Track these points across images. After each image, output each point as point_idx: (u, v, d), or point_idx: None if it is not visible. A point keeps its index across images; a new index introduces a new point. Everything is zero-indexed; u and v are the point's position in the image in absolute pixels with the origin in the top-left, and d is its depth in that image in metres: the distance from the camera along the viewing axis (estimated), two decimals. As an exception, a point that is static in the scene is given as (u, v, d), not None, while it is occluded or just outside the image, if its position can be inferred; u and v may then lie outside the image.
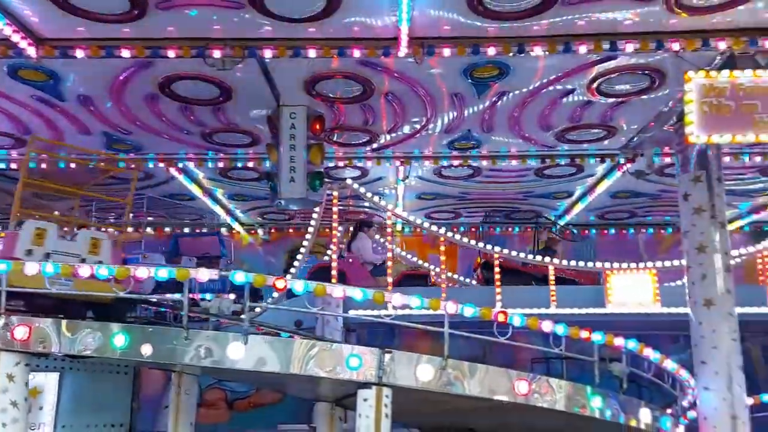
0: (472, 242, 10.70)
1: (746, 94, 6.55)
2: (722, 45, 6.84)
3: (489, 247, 10.42)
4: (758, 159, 10.29)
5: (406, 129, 9.50)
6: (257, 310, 9.19)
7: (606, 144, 9.84)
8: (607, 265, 10.36)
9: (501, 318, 5.73)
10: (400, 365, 5.32)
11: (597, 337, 5.96)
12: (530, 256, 10.67)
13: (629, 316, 10.39)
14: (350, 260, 10.50)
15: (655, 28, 6.76)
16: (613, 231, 14.86)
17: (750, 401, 7.56)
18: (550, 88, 8.11)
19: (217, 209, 13.41)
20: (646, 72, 7.63)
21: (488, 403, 5.67)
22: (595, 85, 7.98)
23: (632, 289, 10.26)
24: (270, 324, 8.25)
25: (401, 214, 10.81)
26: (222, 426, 12.08)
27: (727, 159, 9.89)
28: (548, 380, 5.72)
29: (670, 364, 6.62)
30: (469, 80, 7.91)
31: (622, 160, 10.10)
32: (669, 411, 7.25)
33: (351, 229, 11.55)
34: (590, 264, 10.39)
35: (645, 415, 6.10)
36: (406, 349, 5.79)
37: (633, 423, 6.06)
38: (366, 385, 5.25)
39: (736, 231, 14.63)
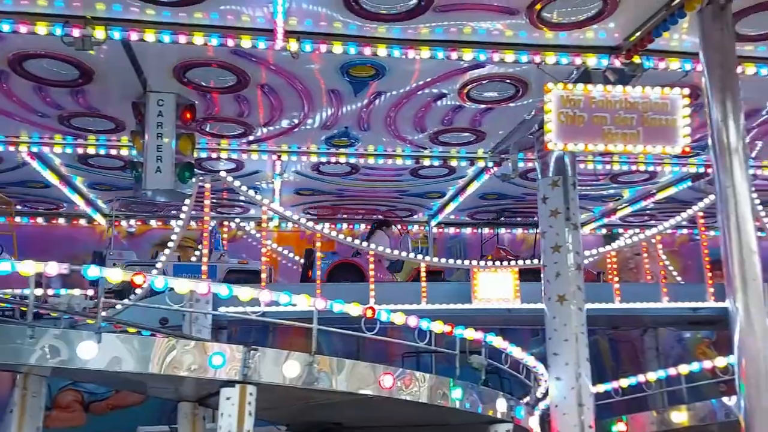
0: (349, 239, 10.79)
1: (598, 107, 7.09)
2: (578, 60, 7.38)
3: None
4: (608, 167, 11.23)
5: (284, 123, 9.40)
6: (119, 307, 8.73)
7: (475, 147, 10.30)
8: (474, 263, 10.88)
9: (369, 314, 5.83)
10: (266, 362, 5.26)
11: (458, 331, 6.22)
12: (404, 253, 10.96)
13: (493, 311, 10.96)
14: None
15: (520, 40, 7.16)
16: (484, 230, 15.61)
17: (596, 389, 8.28)
18: (425, 90, 8.36)
19: (76, 198, 12.51)
20: (512, 81, 8.05)
21: (355, 397, 5.75)
22: (465, 90, 8.32)
23: (496, 286, 10.84)
24: (132, 322, 7.82)
25: (278, 209, 10.67)
26: (78, 430, 11.34)
27: (582, 166, 10.75)
28: (413, 374, 5.91)
29: (524, 356, 7.06)
30: (347, 78, 7.96)
31: (490, 164, 10.61)
32: (525, 400, 7.76)
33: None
34: (459, 261, 10.86)
35: (501, 404, 6.47)
36: (281, 347, 5.72)
37: (490, 413, 6.40)
38: (229, 383, 5.13)
39: (590, 233, 15.90)
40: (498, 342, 6.48)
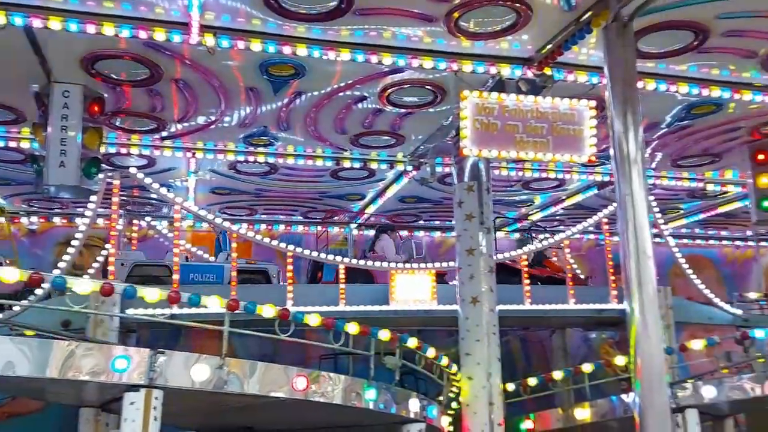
0: (266, 240, 10.64)
1: (510, 115, 7.32)
2: (493, 69, 7.61)
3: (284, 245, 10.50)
4: (521, 173, 11.64)
5: (200, 119, 9.15)
6: (16, 308, 8.22)
7: (395, 151, 10.41)
8: (392, 265, 11.00)
9: (282, 315, 5.76)
10: (174, 366, 5.10)
11: (372, 333, 6.26)
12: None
13: (411, 312, 11.11)
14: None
15: (438, 47, 7.30)
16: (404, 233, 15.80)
17: (507, 387, 8.55)
18: (346, 92, 8.36)
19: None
20: (431, 87, 8.20)
21: (268, 400, 5.67)
22: (386, 94, 8.39)
23: (413, 288, 11.00)
24: (30, 324, 7.38)
25: (191, 208, 10.37)
26: (-30, 441, 10.58)
27: (497, 172, 11.09)
28: (327, 375, 5.89)
29: (437, 357, 7.18)
30: (266, 77, 7.85)
31: (409, 168, 10.75)
32: (439, 399, 7.90)
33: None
34: (378, 264, 10.94)
35: (414, 404, 6.56)
36: (194, 351, 5.53)
37: (403, 413, 6.48)
38: (134, 387, 4.94)
39: (505, 236, 16.41)
40: (412, 343, 6.56)
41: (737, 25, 6.77)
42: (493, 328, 8.18)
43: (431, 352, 6.88)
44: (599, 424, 8.23)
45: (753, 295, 13.16)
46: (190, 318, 6.97)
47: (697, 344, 7.70)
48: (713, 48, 7.17)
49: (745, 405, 7.80)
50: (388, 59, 7.25)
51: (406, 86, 8.18)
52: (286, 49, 6.99)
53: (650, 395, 5.32)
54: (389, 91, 8.31)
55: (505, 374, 8.12)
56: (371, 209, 13.46)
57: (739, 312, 12.41)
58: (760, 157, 9.68)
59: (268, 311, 5.69)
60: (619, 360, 7.94)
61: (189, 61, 7.43)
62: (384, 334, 6.28)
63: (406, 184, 11.53)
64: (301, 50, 7.00)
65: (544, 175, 11.69)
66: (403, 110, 8.93)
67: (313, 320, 5.96)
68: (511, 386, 8.60)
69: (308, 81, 7.98)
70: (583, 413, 8.01)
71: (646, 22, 6.69)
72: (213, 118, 9.07)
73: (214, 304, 5.63)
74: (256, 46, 6.87)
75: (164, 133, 9.57)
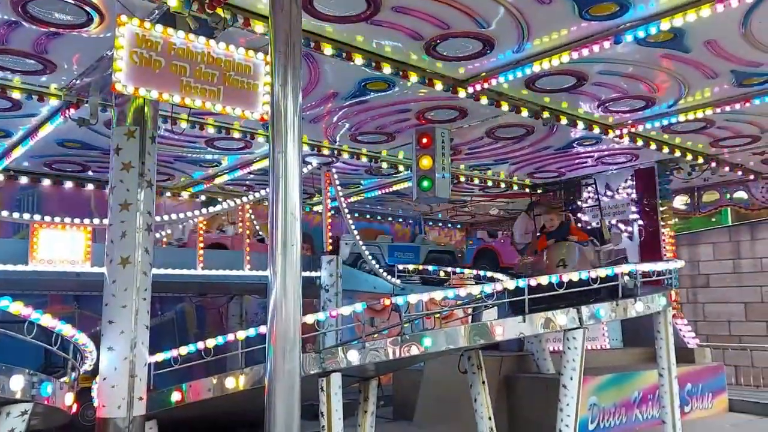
0: None
1: (177, 55, 6.53)
2: (161, -1, 6.67)
3: None
4: (211, 130, 10.79)
5: None
6: None
7: (44, 81, 8.68)
8: (36, 218, 9.31)
9: None
10: None
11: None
12: None
13: (58, 274, 9.59)
14: (502, 240, 12.27)
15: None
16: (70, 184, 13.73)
17: (159, 358, 7.80)
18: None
19: None
20: (82, 5, 6.84)
21: None
22: (21, 2, 6.76)
23: (62, 246, 9.49)
24: None
25: None
26: None
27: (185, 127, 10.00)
28: None
29: (58, 327, 6.07)
30: None
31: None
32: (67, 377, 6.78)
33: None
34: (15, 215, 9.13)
35: (17, 382, 5.40)
36: None
37: None
38: None
39: (190, 198, 15.50)
40: (15, 308, 5.35)
41: (406, 2, 6.97)
42: (144, 293, 7.34)
43: (46, 320, 5.74)
44: (253, 390, 8.02)
45: (411, 267, 14.62)
46: None
47: (347, 310, 7.94)
48: (384, 21, 7.31)
49: (386, 366, 8.33)
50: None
51: (55, -2, 6.66)
52: None
53: (281, 361, 5.12)
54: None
55: (179, 341, 7.46)
56: (20, 151, 11.25)
57: (397, 282, 13.62)
58: (424, 140, 10.50)
59: None
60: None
61: None
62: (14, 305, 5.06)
63: (62, 123, 9.77)
64: None
65: (224, 134, 11.01)
66: (45, 28, 7.32)
67: None
68: (161, 356, 7.87)
69: None
70: (232, 381, 7.68)
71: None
72: None
73: None
74: None
75: None
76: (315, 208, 16.13)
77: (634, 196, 14.19)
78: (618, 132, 11.36)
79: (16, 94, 8.82)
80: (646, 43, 7.90)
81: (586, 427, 9.82)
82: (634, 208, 14.16)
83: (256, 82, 7.01)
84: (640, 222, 14.09)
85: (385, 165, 13.22)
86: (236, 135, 11.13)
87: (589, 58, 8.12)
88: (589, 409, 9.99)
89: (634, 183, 14.25)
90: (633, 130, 11.39)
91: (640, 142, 11.95)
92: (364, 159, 12.78)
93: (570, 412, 7.95)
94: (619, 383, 10.67)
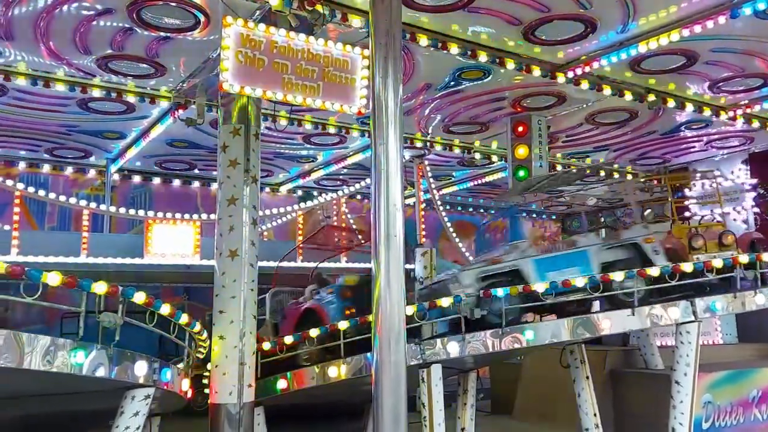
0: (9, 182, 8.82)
1: (279, 53, 6.70)
2: (262, -2, 6.87)
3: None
4: (308, 126, 11.03)
5: None
6: None
7: (154, 83, 9.18)
8: (150, 214, 9.89)
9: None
10: None
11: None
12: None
13: (170, 267, 10.14)
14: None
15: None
16: (178, 182, 14.47)
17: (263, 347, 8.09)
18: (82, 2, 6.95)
19: None
20: (189, 8, 7.16)
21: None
22: (135, 10, 7.15)
23: (173, 240, 10.04)
24: None
25: None
26: None
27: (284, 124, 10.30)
28: (17, 335, 4.81)
29: (172, 314, 6.40)
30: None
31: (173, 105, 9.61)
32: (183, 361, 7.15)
33: None
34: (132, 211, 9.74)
35: (141, 368, 5.75)
36: None
37: (125, 377, 5.65)
38: None
39: (289, 193, 15.95)
40: (139, 298, 5.69)
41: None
42: (251, 284, 7.63)
43: (166, 310, 6.07)
44: (354, 380, 8.15)
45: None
46: None
47: (446, 302, 7.88)
48: (482, 8, 7.18)
49: (485, 358, 8.23)
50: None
51: (161, 3, 7.03)
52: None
53: (387, 352, 5.15)
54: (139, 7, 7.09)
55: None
56: (133, 152, 11.97)
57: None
58: (520, 129, 10.25)
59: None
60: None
61: None
62: (138, 295, 5.43)
63: (172, 124, 10.31)
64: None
65: (321, 129, 11.23)
66: (155, 33, 7.71)
67: (54, 279, 4.83)
68: (267, 345, 8.16)
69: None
70: (335, 371, 7.83)
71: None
72: None
73: None
74: None
75: None
76: (406, 201, 16.14)
77: (748, 181, 13.23)
78: (731, 113, 10.62)
79: (130, 98, 9.39)
80: (765, 16, 7.31)
81: (700, 426, 9.27)
82: (749, 195, 13.21)
83: (354, 77, 7.07)
84: (756, 209, 13.12)
85: (478, 156, 13.03)
86: (331, 130, 11.33)
87: (701, 35, 7.62)
88: (703, 407, 9.42)
89: (749, 168, 13.28)
90: (748, 111, 10.60)
91: (755, 124, 11.11)
92: (456, 150, 12.64)
93: (684, 410, 7.54)
94: (736, 380, 9.99)
